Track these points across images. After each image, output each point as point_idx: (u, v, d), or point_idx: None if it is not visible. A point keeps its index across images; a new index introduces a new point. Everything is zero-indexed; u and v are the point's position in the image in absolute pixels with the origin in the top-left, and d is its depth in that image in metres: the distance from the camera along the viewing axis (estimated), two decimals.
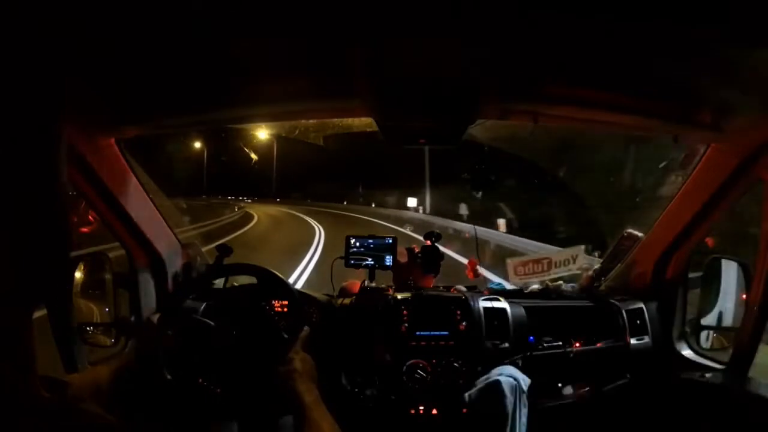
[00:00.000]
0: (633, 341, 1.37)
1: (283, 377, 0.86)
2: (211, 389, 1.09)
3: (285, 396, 0.83)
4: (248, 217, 16.59)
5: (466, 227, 10.03)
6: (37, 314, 0.44)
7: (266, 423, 1.08)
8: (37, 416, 0.38)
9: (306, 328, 1.03)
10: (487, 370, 1.26)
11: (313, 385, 0.86)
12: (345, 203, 26.49)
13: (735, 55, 0.70)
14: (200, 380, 1.09)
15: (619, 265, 1.55)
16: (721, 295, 1.27)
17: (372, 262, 1.58)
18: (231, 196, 31.87)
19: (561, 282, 1.59)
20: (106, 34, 0.64)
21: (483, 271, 1.71)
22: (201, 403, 1.05)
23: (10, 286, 0.40)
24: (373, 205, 22.91)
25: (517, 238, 8.58)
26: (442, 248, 1.54)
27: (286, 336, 1.09)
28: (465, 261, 1.68)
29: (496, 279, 1.82)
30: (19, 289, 0.41)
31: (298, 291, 1.23)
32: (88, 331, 1.21)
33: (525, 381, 1.20)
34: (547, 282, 1.58)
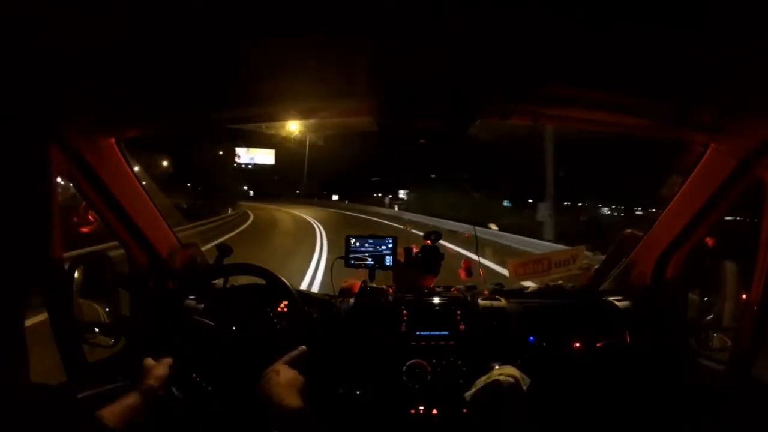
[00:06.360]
0: (633, 341, 1.37)
1: (263, 387, 0.87)
2: (204, 386, 1.08)
3: (267, 405, 0.83)
4: None
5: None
6: (39, 318, 0.44)
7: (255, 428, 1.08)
8: (36, 419, 0.38)
9: (302, 347, 1.02)
10: (487, 370, 1.26)
11: (297, 394, 0.86)
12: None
13: (735, 56, 0.69)
14: (194, 375, 1.08)
15: (619, 265, 1.55)
16: (720, 295, 1.27)
17: (372, 262, 1.58)
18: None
19: (561, 282, 1.59)
20: (106, 34, 0.64)
21: None
22: (193, 400, 1.04)
23: None
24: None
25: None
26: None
27: (284, 339, 1.09)
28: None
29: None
30: (5, 291, 0.41)
31: (297, 291, 1.23)
32: (88, 331, 1.21)
33: (525, 381, 1.20)
34: (547, 282, 1.58)
